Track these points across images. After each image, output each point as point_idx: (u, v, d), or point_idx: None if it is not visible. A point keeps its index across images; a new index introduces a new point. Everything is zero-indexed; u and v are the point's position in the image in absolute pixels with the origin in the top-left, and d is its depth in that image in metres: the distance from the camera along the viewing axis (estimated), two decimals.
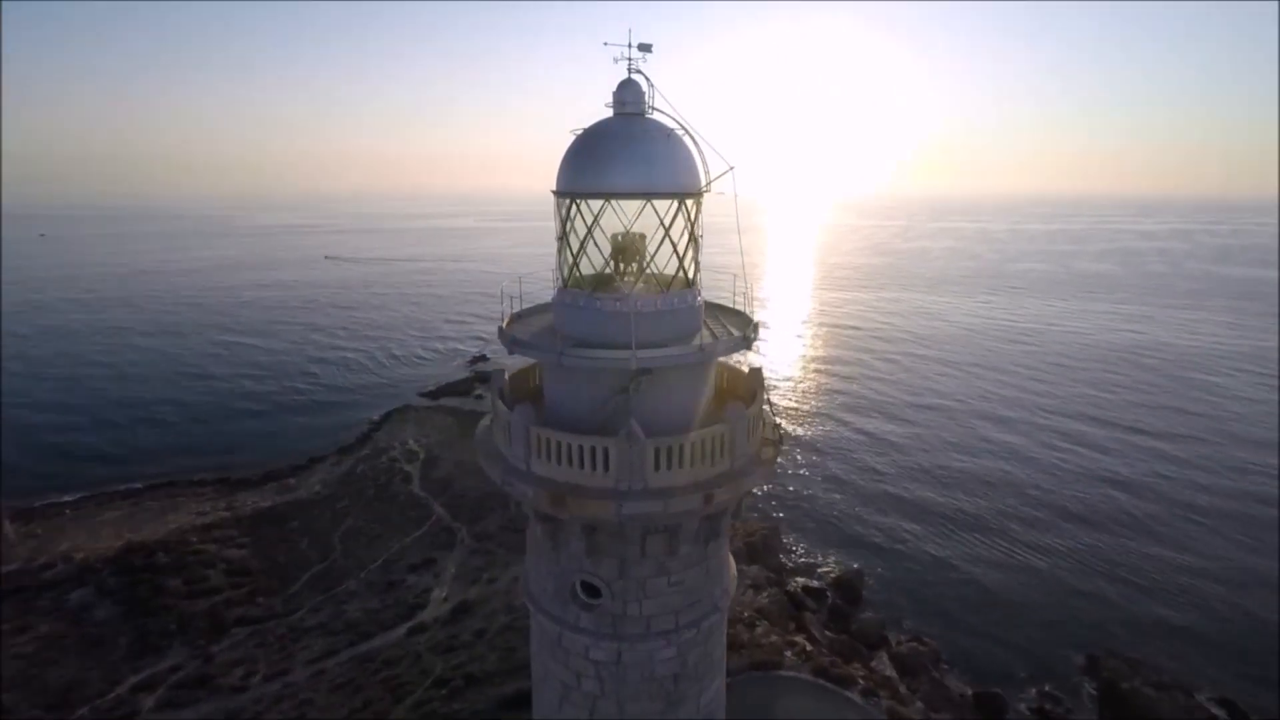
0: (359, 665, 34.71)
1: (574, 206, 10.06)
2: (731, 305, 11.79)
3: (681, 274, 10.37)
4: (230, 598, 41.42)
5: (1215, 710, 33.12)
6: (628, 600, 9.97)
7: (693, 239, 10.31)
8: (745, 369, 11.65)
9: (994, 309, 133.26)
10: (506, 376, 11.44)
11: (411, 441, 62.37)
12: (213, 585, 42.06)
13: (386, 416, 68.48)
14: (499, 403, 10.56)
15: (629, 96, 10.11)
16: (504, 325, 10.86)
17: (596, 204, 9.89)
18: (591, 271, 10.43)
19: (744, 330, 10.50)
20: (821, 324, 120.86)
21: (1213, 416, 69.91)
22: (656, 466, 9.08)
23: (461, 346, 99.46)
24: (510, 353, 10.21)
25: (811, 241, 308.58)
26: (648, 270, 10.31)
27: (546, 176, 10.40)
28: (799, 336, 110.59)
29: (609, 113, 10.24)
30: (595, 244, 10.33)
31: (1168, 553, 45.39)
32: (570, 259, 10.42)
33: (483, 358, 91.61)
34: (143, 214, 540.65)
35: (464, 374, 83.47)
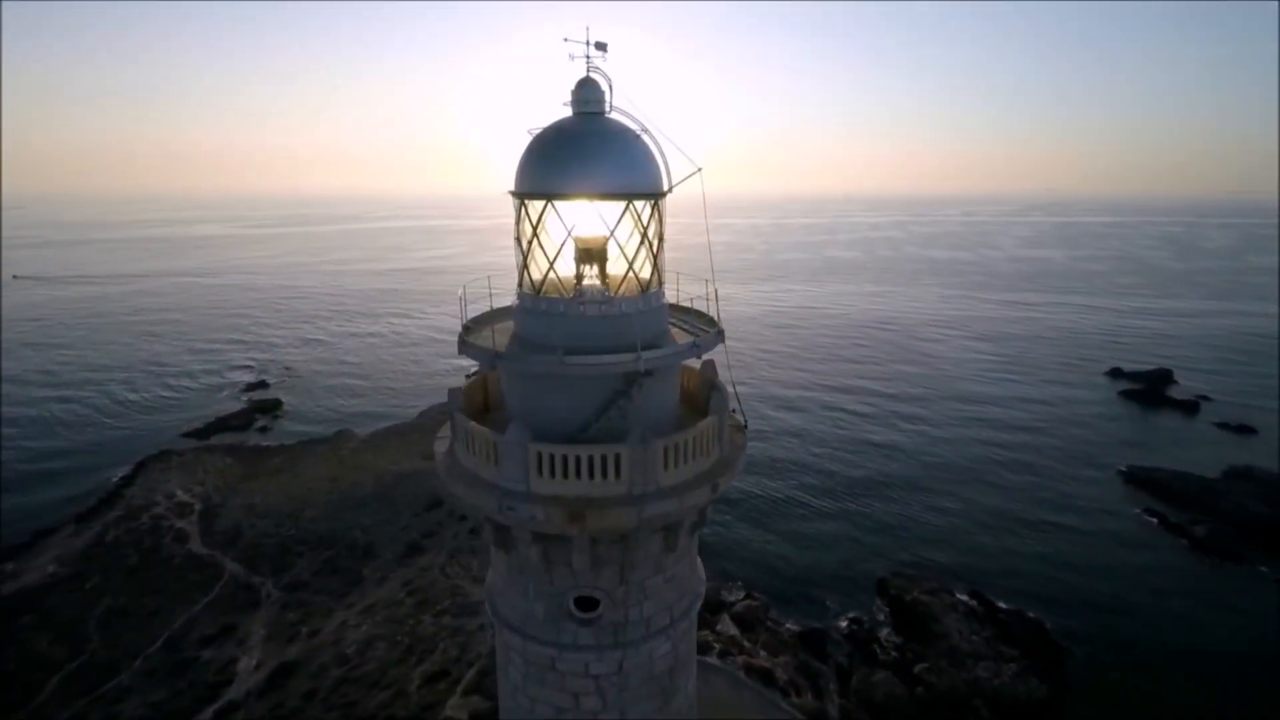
0: None
1: (546, 209, 9.55)
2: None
3: (655, 274, 10.41)
4: None
5: (969, 601, 41.82)
6: (629, 605, 9.80)
7: (661, 239, 10.41)
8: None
9: (767, 296, 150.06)
10: (462, 393, 10.43)
11: (180, 492, 52.60)
12: None
13: (139, 468, 56.43)
14: (472, 423, 9.62)
15: (592, 95, 9.87)
16: (467, 339, 9.90)
17: (565, 206, 9.48)
18: (538, 275, 9.96)
19: (709, 326, 10.86)
20: None
21: (936, 376, 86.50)
22: (665, 466, 9.08)
23: (225, 377, 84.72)
24: (491, 367, 9.36)
25: None
26: (616, 272, 10.15)
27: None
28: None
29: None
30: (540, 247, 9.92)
31: (918, 494, 55.33)
32: (546, 263, 9.86)
33: (261, 384, 79.69)
34: None
35: (239, 405, 71.55)
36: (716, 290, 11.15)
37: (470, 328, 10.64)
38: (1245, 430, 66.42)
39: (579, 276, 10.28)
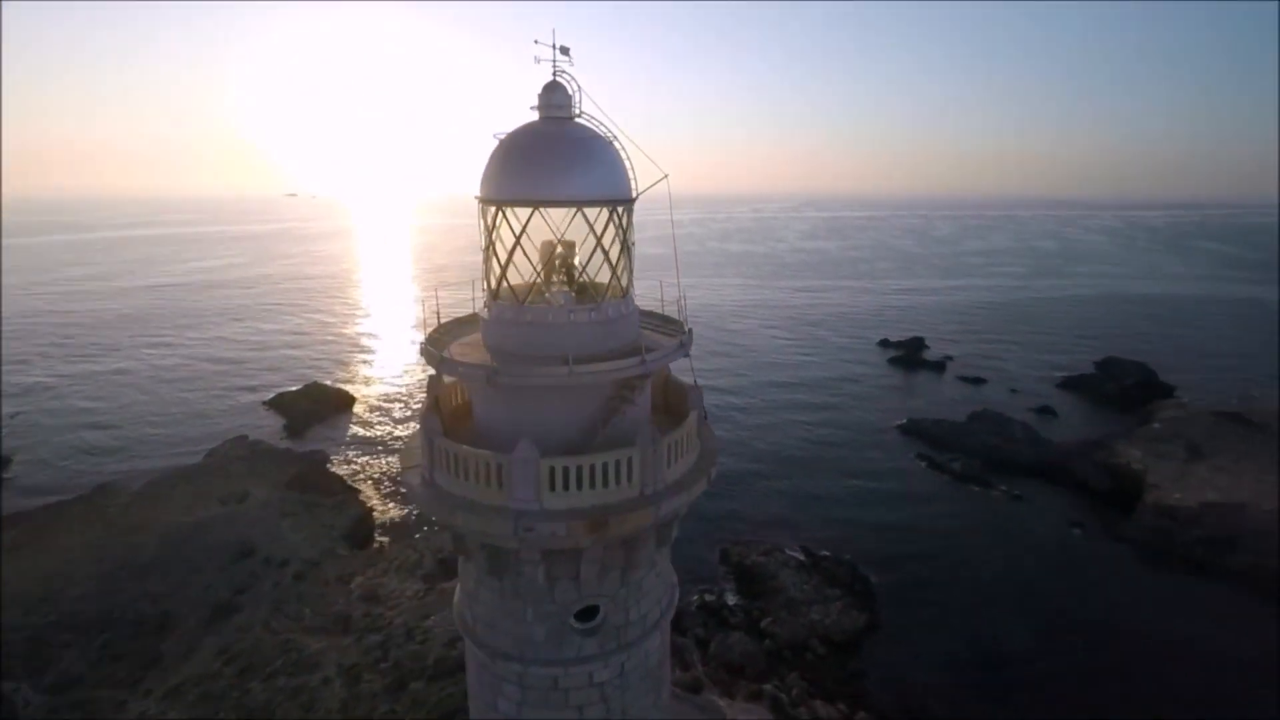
0: None
1: (533, 215, 9.00)
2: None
3: (628, 279, 10.36)
4: None
5: (799, 555, 46.89)
6: (629, 606, 9.73)
7: (633, 243, 10.40)
8: None
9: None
10: (434, 417, 9.42)
11: None
12: None
13: None
14: (466, 447, 8.78)
15: (560, 100, 9.52)
16: (448, 356, 8.98)
17: (547, 212, 9.05)
18: (516, 283, 9.41)
19: (668, 324, 11.10)
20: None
21: (746, 363, 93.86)
22: (669, 463, 9.14)
23: None
24: (489, 383, 8.59)
25: (410, 243, 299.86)
26: (582, 278, 9.93)
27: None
28: (415, 343, 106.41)
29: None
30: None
31: (745, 476, 59.84)
32: (533, 270, 9.28)
33: None
34: None
35: None
36: (683, 291, 11.49)
37: (435, 340, 9.77)
38: (979, 381, 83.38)
39: (549, 284, 10.02)
